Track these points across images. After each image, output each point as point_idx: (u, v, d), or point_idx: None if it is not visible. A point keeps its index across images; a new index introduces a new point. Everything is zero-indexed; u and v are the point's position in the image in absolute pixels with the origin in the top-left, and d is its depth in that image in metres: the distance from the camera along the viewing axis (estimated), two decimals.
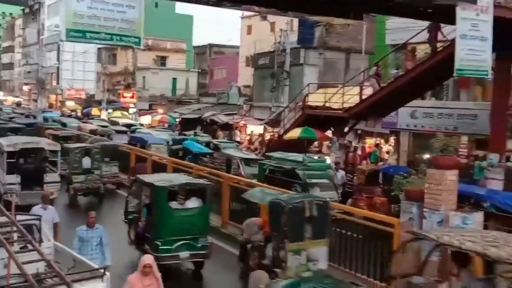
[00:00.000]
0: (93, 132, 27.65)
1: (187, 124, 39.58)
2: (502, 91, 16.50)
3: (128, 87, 54.63)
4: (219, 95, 44.58)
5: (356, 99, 20.62)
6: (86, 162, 17.96)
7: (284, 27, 34.08)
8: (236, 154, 20.30)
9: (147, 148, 22.41)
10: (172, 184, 11.32)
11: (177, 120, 42.00)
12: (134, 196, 12.59)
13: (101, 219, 11.91)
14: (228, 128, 36.84)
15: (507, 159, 19.16)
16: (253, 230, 11.30)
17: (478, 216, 8.81)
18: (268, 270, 8.76)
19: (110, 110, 48.81)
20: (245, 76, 42.40)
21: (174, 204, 11.20)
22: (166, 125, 39.10)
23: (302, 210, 9.17)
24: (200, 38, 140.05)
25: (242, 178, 16.40)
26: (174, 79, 55.08)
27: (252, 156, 20.82)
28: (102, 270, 6.97)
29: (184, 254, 10.79)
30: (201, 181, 12.14)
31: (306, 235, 9.21)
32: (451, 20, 12.39)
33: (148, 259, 7.22)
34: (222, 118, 37.72)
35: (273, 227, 9.68)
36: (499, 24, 12.56)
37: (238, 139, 33.76)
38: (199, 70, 56.52)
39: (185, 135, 29.98)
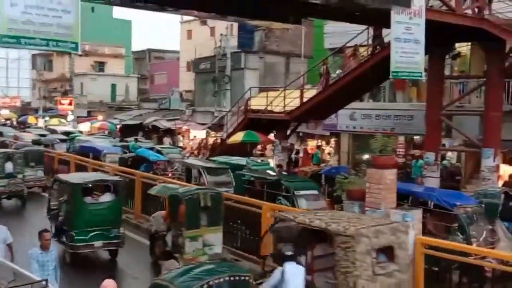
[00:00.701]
0: (36, 142, 26.78)
1: (128, 130, 38.93)
2: (436, 92, 17.14)
3: (65, 93, 53.17)
4: (160, 100, 44.11)
5: (297, 102, 20.91)
6: (9, 166, 18.79)
7: (224, 31, 34.17)
8: (196, 163, 19.04)
9: (101, 159, 21.57)
10: (86, 181, 12.96)
11: (118, 126, 41.24)
12: (55, 194, 13.73)
13: (25, 219, 13.76)
14: (170, 133, 36.51)
15: (442, 158, 19.93)
16: (159, 222, 12.12)
17: (417, 213, 9.09)
18: (171, 257, 9.98)
19: (47, 118, 47.29)
20: (187, 81, 42.17)
21: (88, 199, 12.58)
22: (106, 132, 38.30)
23: (197, 201, 10.56)
24: (139, 43, 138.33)
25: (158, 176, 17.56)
26: (113, 85, 54.05)
27: (215, 165, 18.73)
28: (44, 282, 6.76)
29: (98, 243, 12.08)
30: (114, 178, 14.03)
31: (202, 223, 10.59)
32: (386, 24, 12.77)
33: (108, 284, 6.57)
34: (164, 124, 37.35)
35: (172, 217, 11.03)
36: (431, 27, 13.05)
37: (181, 144, 33.49)
38: (139, 76, 55.73)
39: (126, 141, 29.45)
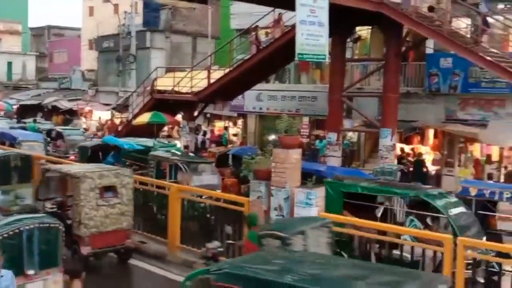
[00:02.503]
0: None
1: (26, 111, 37.01)
2: (338, 74, 17.73)
3: None
4: (61, 79, 42.17)
5: (204, 83, 20.83)
6: None
7: (128, 9, 33.11)
8: (172, 157, 15.46)
9: (16, 146, 18.08)
10: None
11: (14, 107, 39.04)
12: None
13: None
14: (72, 114, 35.13)
15: (344, 138, 20.74)
16: None
17: (320, 191, 9.41)
18: None
19: None
20: (89, 60, 40.59)
21: None
22: (2, 112, 36.13)
23: (8, 161, 12.89)
24: (37, 19, 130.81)
25: None
26: (9, 63, 50.90)
27: (197, 158, 15.99)
28: None
29: None
30: None
31: (13, 180, 12.81)
32: (291, 6, 12.99)
33: None
34: (65, 104, 35.85)
35: None
36: (334, 10, 13.43)
37: (84, 126, 32.31)
38: (37, 54, 52.90)
39: (24, 123, 27.97)
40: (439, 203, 8.93)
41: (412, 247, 8.64)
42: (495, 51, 15.24)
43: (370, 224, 9.05)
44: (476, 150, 20.00)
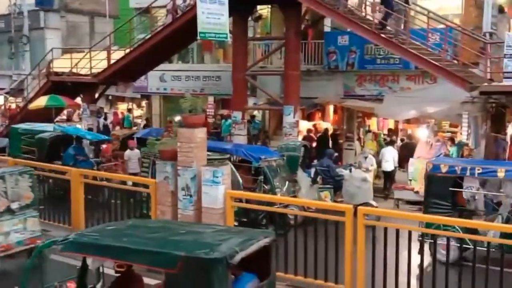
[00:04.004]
0: None
1: None
2: (241, 53, 17.87)
3: None
4: None
5: (104, 64, 20.19)
6: None
7: None
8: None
9: None
10: None
11: None
12: None
13: None
14: None
15: (252, 117, 21.03)
16: None
17: (227, 169, 9.51)
18: None
19: None
20: None
21: None
22: None
23: None
24: None
25: None
26: None
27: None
28: None
29: None
30: None
31: None
32: None
33: None
34: None
35: None
36: None
37: None
38: None
39: None
40: None
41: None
42: (389, 28, 15.99)
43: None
44: (373, 124, 21.06)
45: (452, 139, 16.29)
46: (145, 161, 13.18)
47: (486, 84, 13.48)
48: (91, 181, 11.42)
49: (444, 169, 10.02)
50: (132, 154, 15.49)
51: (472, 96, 14.52)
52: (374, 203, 12.26)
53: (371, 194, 13.22)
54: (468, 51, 14.80)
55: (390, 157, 16.56)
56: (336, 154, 16.30)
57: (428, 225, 8.65)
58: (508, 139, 17.26)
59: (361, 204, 10.03)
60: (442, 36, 15.19)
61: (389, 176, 16.69)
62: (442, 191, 10.08)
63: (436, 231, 8.04)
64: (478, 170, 9.80)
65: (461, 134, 17.46)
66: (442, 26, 15.78)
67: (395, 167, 16.76)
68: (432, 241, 7.74)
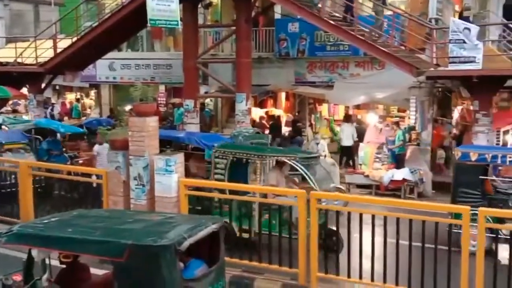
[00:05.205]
0: None
1: None
2: (191, 41, 17.69)
3: None
4: None
5: (50, 53, 19.62)
6: None
7: None
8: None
9: None
10: None
11: None
12: None
13: None
14: None
15: (202, 105, 20.92)
16: None
17: (180, 157, 9.45)
18: None
19: None
20: None
21: None
22: None
23: None
24: None
25: None
26: None
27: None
28: None
29: None
30: None
31: None
32: None
33: None
34: None
35: None
36: None
37: None
38: None
39: None
40: None
41: None
42: (337, 15, 16.17)
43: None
44: (324, 110, 21.35)
45: (397, 123, 16.75)
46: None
47: (432, 69, 13.85)
48: (38, 173, 11.10)
49: (473, 157, 9.69)
50: (101, 149, 13.87)
51: (419, 81, 14.93)
52: (342, 187, 12.37)
53: (339, 178, 13.56)
54: (415, 37, 15.16)
55: (349, 133, 17.10)
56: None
57: (457, 215, 7.75)
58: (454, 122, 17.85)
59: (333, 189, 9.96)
60: (389, 23, 15.49)
61: (347, 152, 17.27)
62: (472, 179, 9.75)
63: (387, 213, 8.19)
64: (510, 157, 9.53)
65: (409, 118, 17.92)
66: (389, 12, 16.08)
67: (354, 142, 17.26)
68: (461, 231, 7.16)
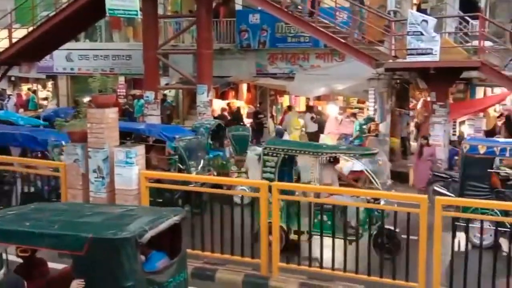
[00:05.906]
0: None
1: None
2: (151, 31, 17.47)
3: None
4: None
5: (5, 43, 19.08)
6: None
7: None
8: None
9: None
10: None
11: None
12: None
13: None
14: None
15: (164, 96, 20.72)
16: None
17: (140, 149, 9.34)
18: None
19: None
20: None
21: None
22: None
23: None
24: None
25: None
26: None
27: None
28: None
29: None
30: None
31: None
32: None
33: None
34: None
35: None
36: None
37: None
38: None
39: None
40: None
41: None
42: (300, 6, 16.23)
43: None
44: (285, 101, 21.45)
45: (354, 114, 16.98)
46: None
47: (390, 61, 14.08)
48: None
49: (482, 150, 9.52)
50: None
51: (378, 73, 15.14)
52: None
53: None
54: (374, 29, 15.36)
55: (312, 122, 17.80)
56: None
57: (465, 209, 7.89)
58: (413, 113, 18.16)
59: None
60: (349, 15, 15.64)
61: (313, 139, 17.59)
62: (480, 173, 9.57)
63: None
64: None
65: (368, 109, 18.18)
66: (349, 5, 16.24)
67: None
68: (466, 224, 7.20)
